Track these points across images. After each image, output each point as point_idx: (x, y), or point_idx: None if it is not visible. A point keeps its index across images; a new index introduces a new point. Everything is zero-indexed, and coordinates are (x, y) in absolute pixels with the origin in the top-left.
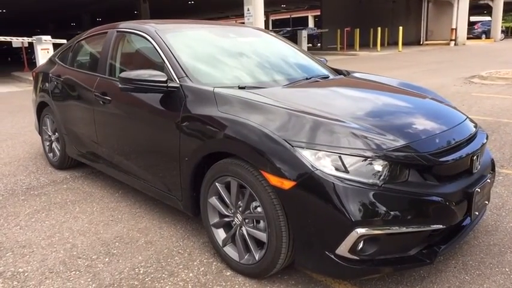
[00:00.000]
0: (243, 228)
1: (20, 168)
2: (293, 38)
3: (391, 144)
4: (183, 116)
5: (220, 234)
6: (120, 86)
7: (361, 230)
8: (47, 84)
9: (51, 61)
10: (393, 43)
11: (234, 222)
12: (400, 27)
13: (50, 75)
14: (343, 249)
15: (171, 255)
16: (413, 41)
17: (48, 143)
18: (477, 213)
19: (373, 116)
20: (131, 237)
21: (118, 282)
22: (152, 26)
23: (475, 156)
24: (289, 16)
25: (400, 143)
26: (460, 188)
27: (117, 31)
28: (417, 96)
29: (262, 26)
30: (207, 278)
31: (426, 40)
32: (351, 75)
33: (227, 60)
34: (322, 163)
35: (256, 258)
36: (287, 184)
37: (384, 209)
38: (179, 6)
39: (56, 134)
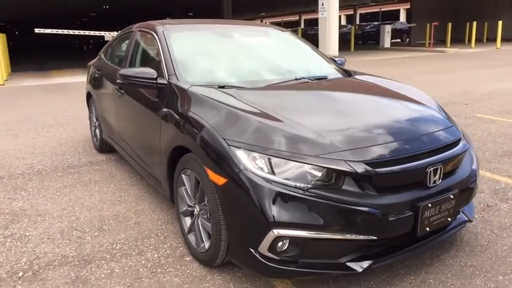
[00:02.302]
0: (199, 219)
1: (71, 148)
2: (378, 33)
3: (325, 150)
4: (164, 110)
5: (187, 221)
6: (117, 81)
7: (278, 231)
8: (91, 76)
9: (99, 56)
10: (493, 39)
11: (194, 212)
12: (500, 22)
13: (94, 68)
14: (263, 247)
15: (149, 236)
16: None
17: (93, 128)
18: (428, 229)
19: (324, 121)
20: (125, 217)
21: (94, 254)
22: (162, 27)
23: (431, 169)
24: (378, 10)
25: (335, 149)
26: (402, 201)
27: (138, 30)
28: (399, 103)
29: (336, 21)
30: (168, 260)
31: None
32: (352, 77)
33: (222, 60)
34: (252, 163)
35: (206, 247)
36: (221, 180)
37: (306, 213)
38: (262, 1)
39: (98, 120)
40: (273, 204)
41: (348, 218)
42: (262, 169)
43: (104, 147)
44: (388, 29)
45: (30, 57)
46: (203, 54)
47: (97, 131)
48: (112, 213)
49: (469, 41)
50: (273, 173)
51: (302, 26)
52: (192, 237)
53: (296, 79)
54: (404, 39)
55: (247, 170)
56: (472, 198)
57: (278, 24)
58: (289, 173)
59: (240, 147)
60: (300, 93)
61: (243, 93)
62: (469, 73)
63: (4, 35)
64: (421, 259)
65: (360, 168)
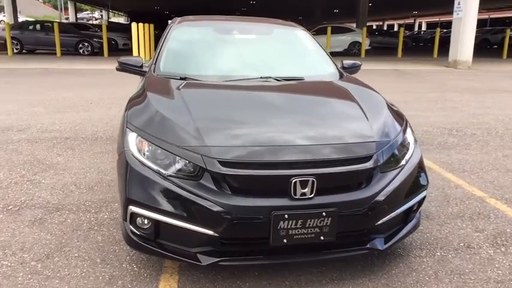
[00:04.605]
0: None
1: None
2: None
3: (189, 143)
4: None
5: None
6: (116, 67)
7: (132, 208)
8: None
9: None
10: None
11: None
12: None
13: None
14: (127, 221)
15: (117, 201)
16: None
17: None
18: (286, 241)
19: (220, 117)
20: (116, 184)
21: (67, 205)
22: (176, 21)
23: (296, 180)
24: None
25: (200, 143)
26: (255, 206)
27: (169, 24)
28: (330, 111)
29: (474, 23)
30: (110, 222)
31: None
32: (332, 82)
33: (203, 55)
34: (136, 146)
35: None
36: (117, 156)
37: (160, 197)
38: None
39: None
40: (134, 183)
41: (195, 211)
42: (141, 152)
43: None
44: None
45: None
46: (191, 49)
47: None
48: (110, 179)
49: None
50: (143, 155)
51: None
52: None
53: (261, 78)
54: None
55: (129, 150)
56: (367, 225)
57: (434, 24)
58: (154, 157)
59: (132, 130)
60: (238, 91)
61: (187, 85)
62: None
63: (152, 25)
64: (321, 277)
65: (212, 165)
